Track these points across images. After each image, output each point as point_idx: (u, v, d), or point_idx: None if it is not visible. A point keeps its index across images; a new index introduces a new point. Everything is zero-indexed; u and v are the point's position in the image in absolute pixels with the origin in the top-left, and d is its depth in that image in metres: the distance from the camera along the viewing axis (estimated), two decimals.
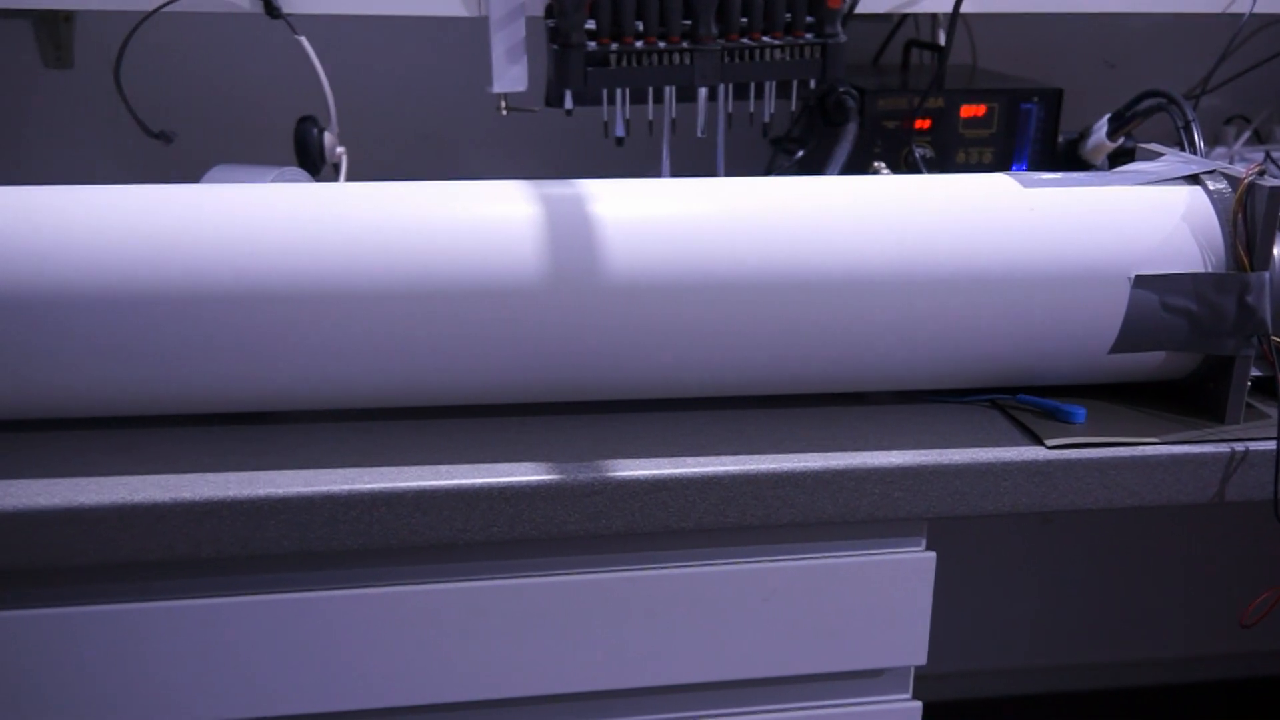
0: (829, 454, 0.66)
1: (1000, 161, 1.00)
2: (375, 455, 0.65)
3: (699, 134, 0.94)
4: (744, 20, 0.90)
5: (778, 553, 0.69)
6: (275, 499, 0.61)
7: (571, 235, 0.65)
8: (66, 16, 1.06)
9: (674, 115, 0.93)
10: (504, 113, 0.95)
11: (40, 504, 0.59)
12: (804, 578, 0.69)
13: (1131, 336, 0.69)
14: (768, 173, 1.03)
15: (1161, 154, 0.77)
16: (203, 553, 0.62)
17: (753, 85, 0.92)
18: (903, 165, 0.99)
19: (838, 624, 0.70)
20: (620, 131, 0.92)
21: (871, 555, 0.69)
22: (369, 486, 0.62)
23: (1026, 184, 0.70)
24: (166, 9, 0.89)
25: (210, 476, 0.63)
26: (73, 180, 0.66)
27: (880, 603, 0.70)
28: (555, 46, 0.88)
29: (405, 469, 0.64)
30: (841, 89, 0.95)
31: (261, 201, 0.65)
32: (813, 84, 0.93)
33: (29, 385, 0.63)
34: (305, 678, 0.66)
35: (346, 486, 0.62)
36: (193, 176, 1.01)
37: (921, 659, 0.71)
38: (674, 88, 0.91)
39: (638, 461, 0.65)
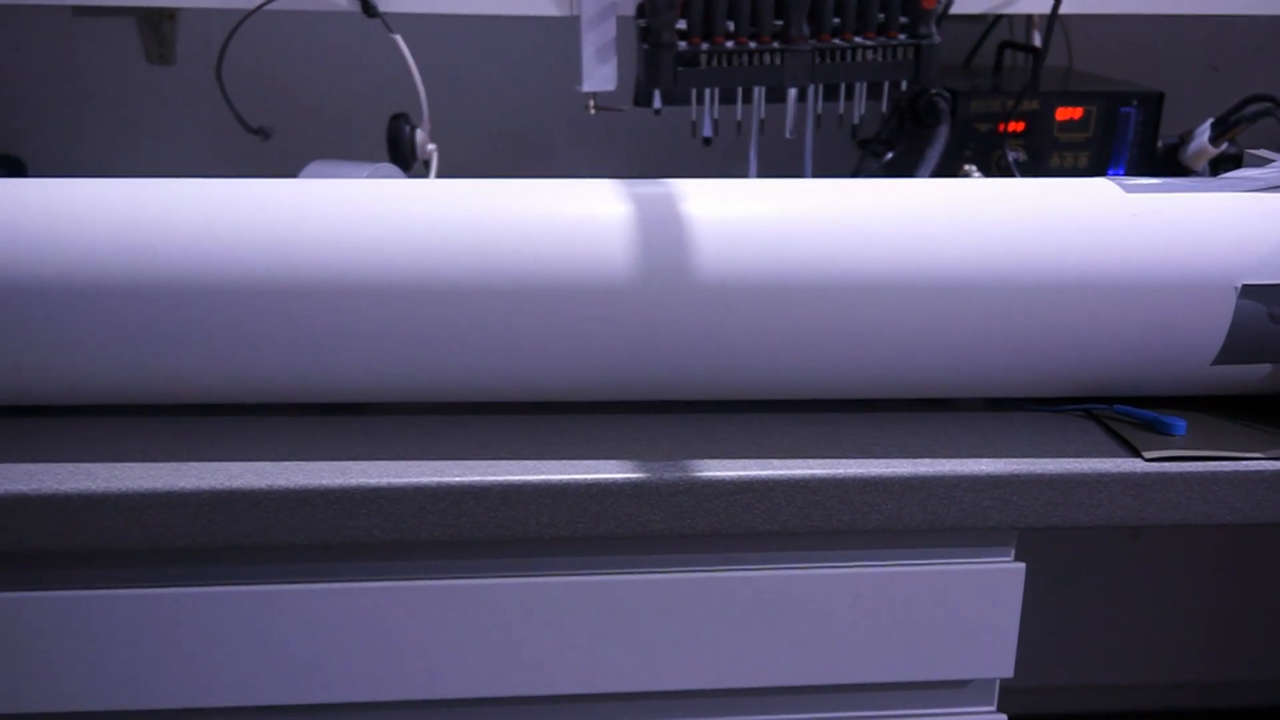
0: (918, 460, 0.65)
1: (1096, 166, 0.98)
2: (464, 449, 0.66)
3: (787, 134, 0.93)
4: (836, 20, 0.89)
5: (864, 558, 0.68)
6: (368, 489, 0.62)
7: (662, 234, 0.65)
8: (170, 14, 1.09)
9: (762, 115, 0.93)
10: (592, 112, 0.96)
11: (144, 487, 0.61)
12: (890, 584, 0.68)
13: (1236, 348, 0.67)
14: (856, 174, 1.02)
15: (1270, 160, 0.74)
16: (297, 540, 0.63)
17: (843, 86, 0.92)
18: (994, 169, 0.97)
19: (923, 632, 0.69)
20: (708, 131, 0.92)
21: (959, 564, 0.68)
22: (458, 479, 0.63)
23: (1129, 189, 0.69)
24: (267, 7, 0.91)
25: (305, 465, 0.64)
26: (173, 174, 0.68)
27: (967, 613, 0.69)
28: (646, 46, 0.88)
29: (493, 463, 0.64)
30: (934, 90, 0.94)
31: (360, 197, 0.66)
32: (904, 85, 0.92)
33: (142, 372, 0.65)
34: (394, 665, 0.68)
35: (436, 478, 0.63)
36: (288, 171, 1.03)
37: (1008, 671, 0.70)
38: (763, 88, 0.91)
39: (724, 462, 0.65)
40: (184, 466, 0.63)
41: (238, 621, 0.66)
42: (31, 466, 0.63)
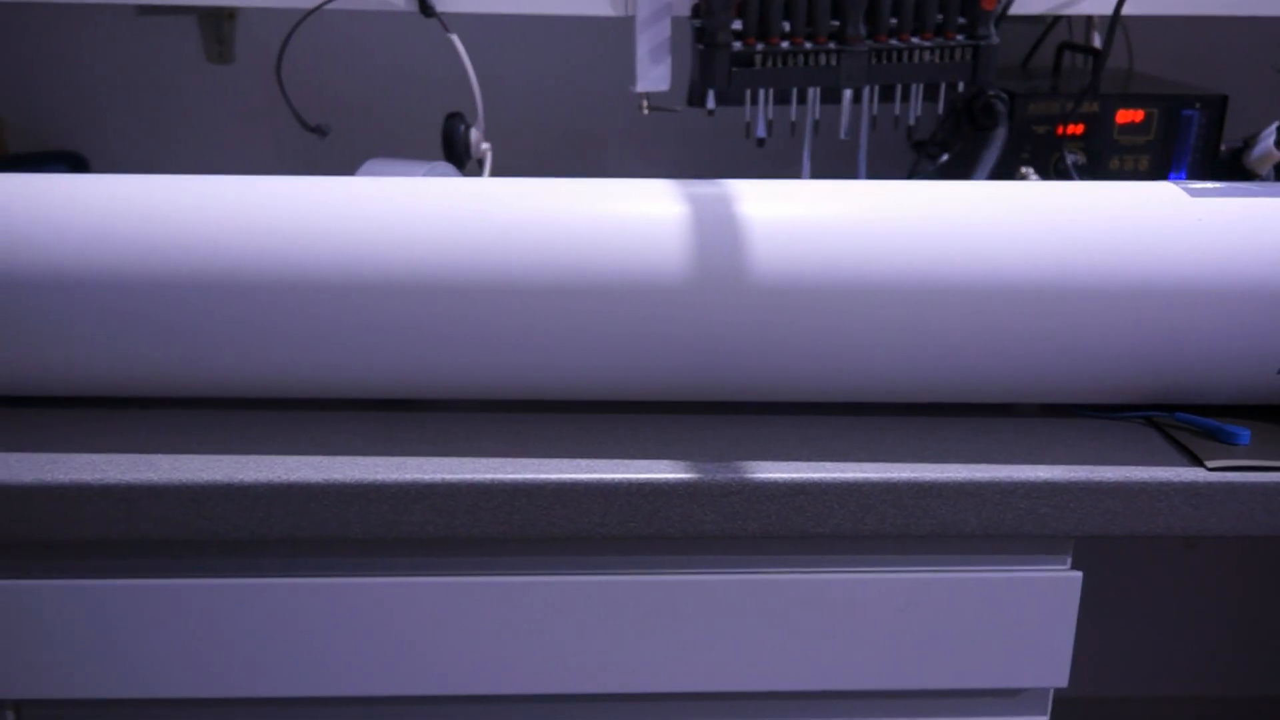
0: (973, 465, 0.65)
1: (1157, 170, 0.97)
2: (518, 446, 0.66)
3: (842, 136, 0.93)
4: (893, 21, 0.89)
5: (916, 563, 0.67)
6: (422, 484, 0.63)
7: (716, 235, 0.65)
8: (230, 13, 1.11)
9: (817, 116, 0.92)
10: (645, 112, 0.96)
11: (204, 478, 0.62)
12: (942, 590, 0.67)
13: None
14: (910, 177, 1.01)
15: None
16: (351, 533, 0.64)
17: (899, 87, 0.91)
18: (1052, 172, 0.96)
19: (976, 640, 0.68)
20: (761, 132, 0.92)
21: (1015, 571, 0.67)
22: (511, 476, 0.63)
23: (1193, 193, 0.67)
24: (326, 7, 0.92)
25: (360, 460, 0.65)
26: (231, 171, 0.69)
27: (1022, 621, 0.68)
28: (701, 46, 0.88)
29: (546, 461, 0.65)
30: (991, 92, 0.93)
31: (417, 195, 0.67)
32: (961, 87, 0.91)
33: (202, 367, 0.66)
34: (444, 661, 0.68)
35: (490, 476, 0.63)
36: (344, 169, 1.04)
37: (1063, 681, 0.69)
38: (818, 89, 0.90)
39: (776, 464, 0.65)
40: (243, 459, 0.64)
41: (293, 614, 0.67)
42: (95, 457, 0.64)
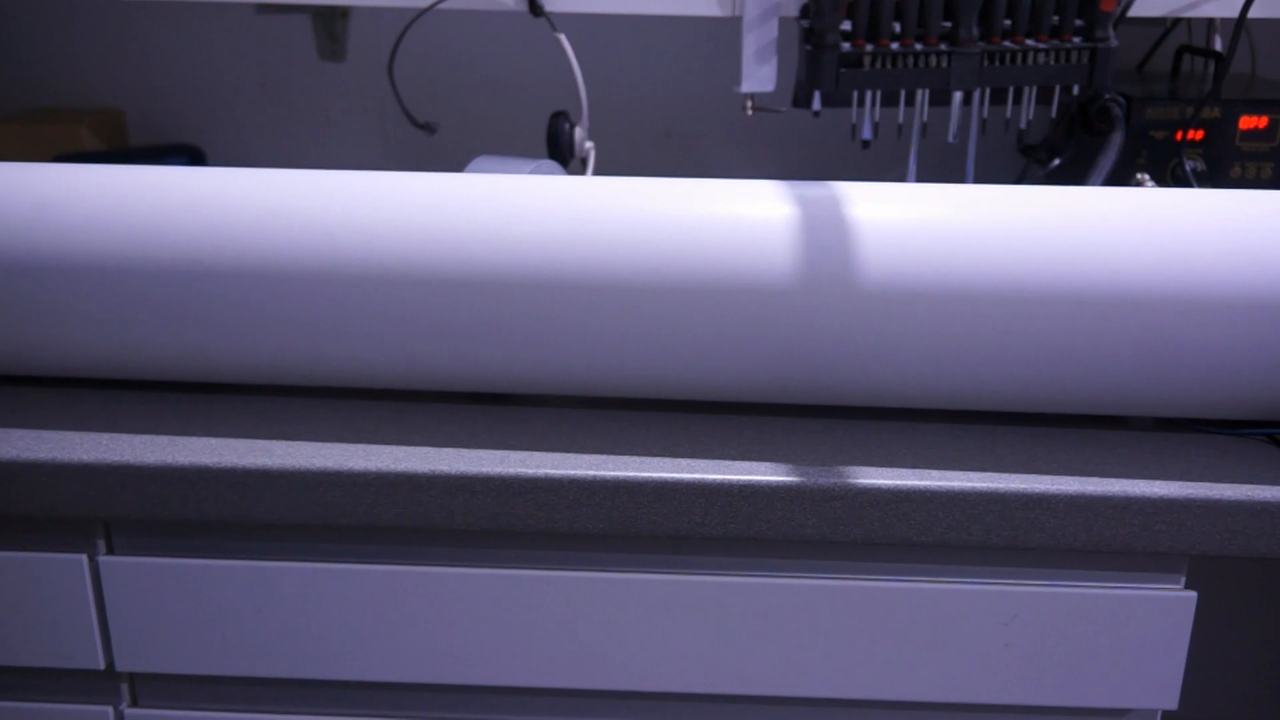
0: (1085, 478, 0.63)
1: None
2: (620, 444, 0.67)
3: (950, 139, 0.91)
4: (1007, 22, 0.87)
5: (1022, 577, 0.66)
6: (525, 478, 0.64)
7: (824, 237, 0.64)
8: (344, 12, 1.13)
9: (925, 119, 0.91)
10: (749, 112, 0.95)
11: (316, 465, 0.64)
12: (1049, 606, 0.66)
13: None
14: (1019, 182, 0.99)
15: None
16: (455, 524, 0.65)
17: (1011, 90, 0.89)
18: (1170, 179, 0.93)
19: (1082, 657, 0.67)
20: (867, 134, 0.91)
21: (1125, 589, 0.65)
22: (613, 473, 0.64)
23: None
24: (438, 6, 0.93)
25: (466, 453, 0.66)
26: (340, 167, 0.71)
27: (1132, 640, 0.66)
28: (809, 47, 0.88)
29: (648, 459, 0.65)
30: (1107, 96, 0.90)
31: (528, 193, 0.67)
32: (1076, 90, 0.89)
33: (314, 356, 0.67)
34: (540, 653, 0.69)
35: (593, 472, 0.64)
36: (450, 165, 1.06)
37: (1173, 703, 0.67)
38: (927, 91, 0.89)
39: (881, 470, 0.64)
40: (352, 448, 0.66)
41: (397, 601, 0.68)
42: (213, 441, 0.66)
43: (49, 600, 0.69)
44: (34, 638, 0.70)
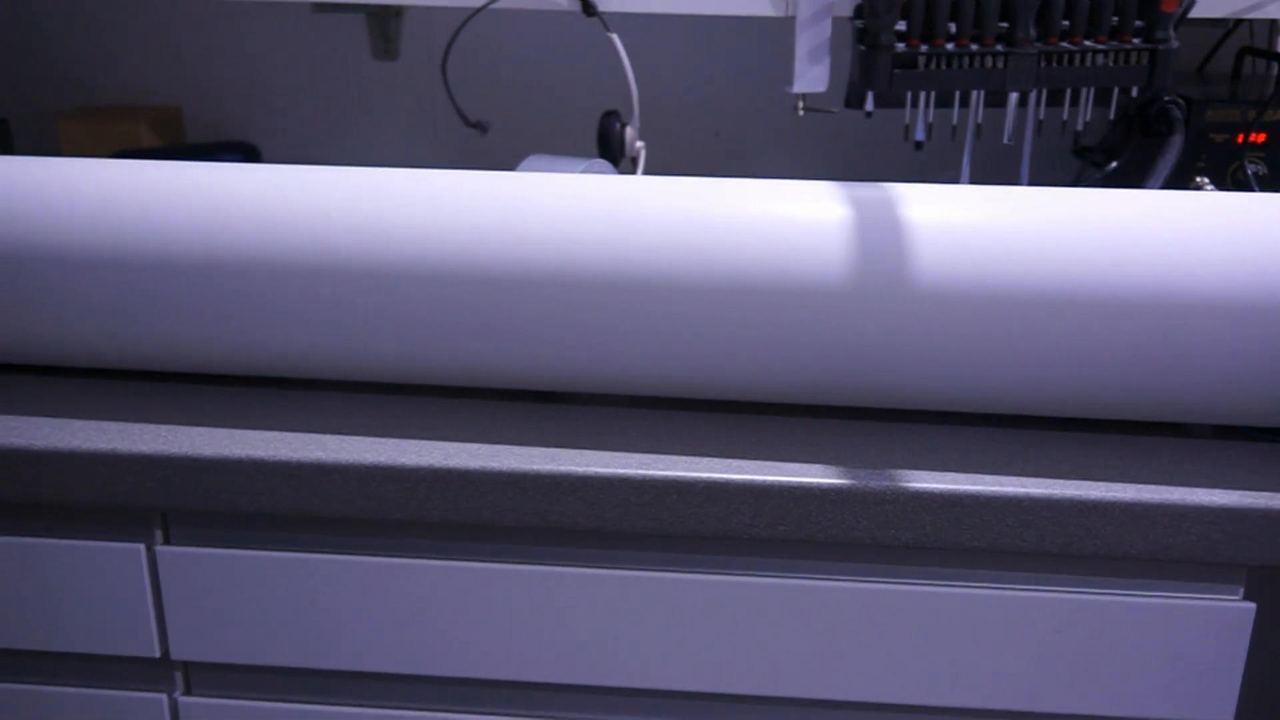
0: (1142, 486, 0.62)
1: None
2: (670, 443, 0.67)
3: (1005, 140, 0.90)
4: (1065, 23, 0.86)
5: (1075, 584, 0.65)
6: (575, 476, 0.64)
7: (877, 239, 0.64)
8: (397, 11, 1.14)
9: (979, 120, 0.90)
10: (801, 113, 0.95)
11: (368, 459, 0.64)
12: (1102, 614, 0.65)
13: None
14: (1076, 184, 0.98)
15: None
16: (505, 520, 0.65)
17: (1068, 91, 0.88)
18: (1230, 182, 0.91)
19: (1136, 668, 0.66)
20: (921, 135, 0.90)
21: (1181, 599, 0.64)
22: (663, 473, 0.64)
23: None
24: (492, 6, 0.94)
25: (516, 449, 0.66)
26: (392, 165, 0.71)
27: (1187, 651, 0.65)
28: (862, 47, 0.87)
29: (698, 459, 0.65)
30: (1167, 98, 0.89)
31: (582, 193, 0.67)
32: (1134, 92, 0.88)
33: (367, 352, 0.68)
34: (589, 649, 0.69)
35: (642, 471, 0.64)
36: (501, 164, 1.07)
37: (1228, 717, 0.66)
38: (982, 92, 0.88)
39: (932, 474, 0.63)
40: (405, 443, 0.66)
41: (444, 595, 0.69)
42: (269, 434, 0.67)
43: (107, 588, 0.70)
44: (91, 625, 0.71)
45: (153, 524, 0.70)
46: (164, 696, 0.73)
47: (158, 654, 0.72)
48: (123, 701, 0.74)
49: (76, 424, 0.68)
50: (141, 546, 0.69)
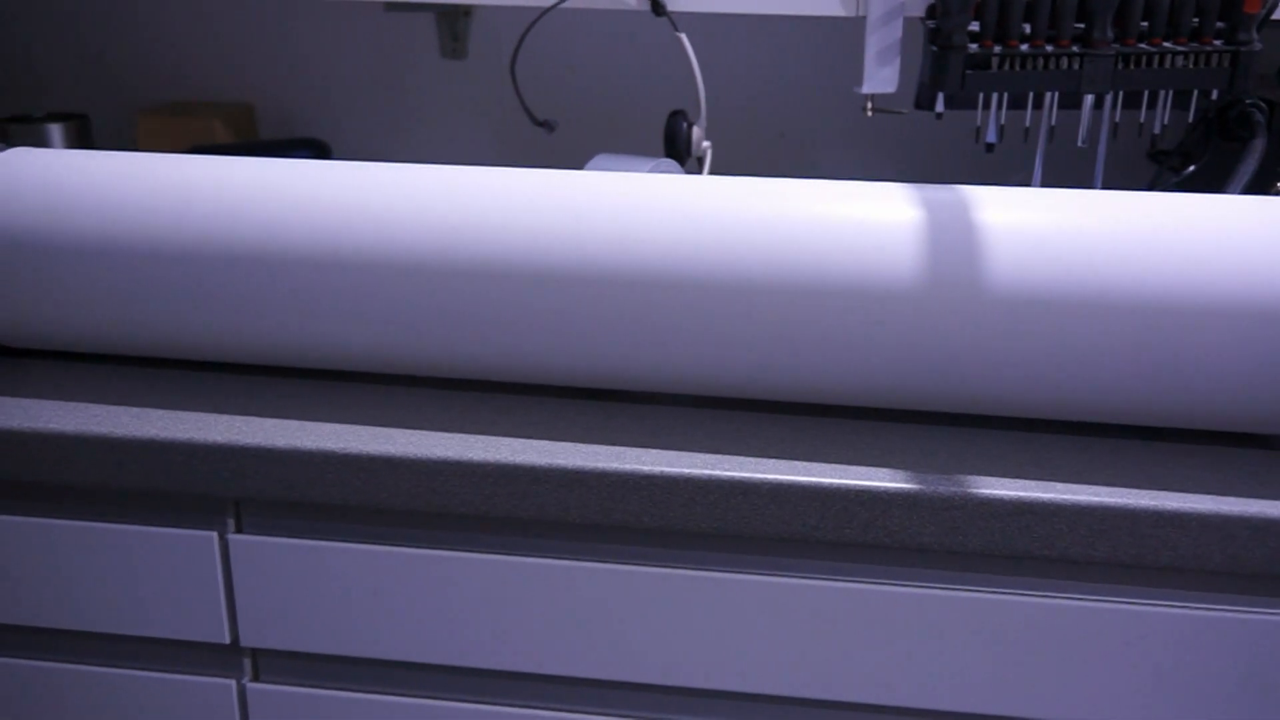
0: (1221, 498, 0.61)
1: None
2: (735, 444, 0.67)
3: (1080, 143, 0.89)
4: (1144, 24, 0.84)
5: (1148, 597, 0.64)
6: (640, 475, 0.64)
7: (948, 241, 0.63)
8: (466, 11, 1.15)
9: (1053, 122, 0.88)
10: (869, 114, 0.94)
11: (436, 454, 0.65)
12: (1176, 629, 0.64)
13: None
14: (1151, 188, 0.96)
15: None
16: (570, 517, 0.65)
17: (1145, 94, 0.86)
18: None
19: (1208, 685, 0.64)
20: (992, 137, 0.89)
21: (1260, 615, 0.63)
22: (729, 473, 0.63)
23: None
24: (561, 5, 0.94)
25: (582, 447, 0.66)
26: (460, 163, 0.72)
27: (1264, 669, 0.63)
28: (934, 47, 0.86)
29: (763, 460, 0.65)
30: (1248, 101, 0.87)
31: (652, 192, 0.68)
32: (1214, 95, 0.86)
33: (438, 349, 0.69)
34: (650, 648, 0.69)
35: (707, 471, 0.64)
36: (567, 163, 1.07)
37: None
38: (1057, 94, 0.87)
39: (1002, 481, 0.62)
40: (472, 439, 0.67)
41: (508, 590, 0.69)
42: (340, 427, 0.68)
43: (180, 574, 0.72)
44: (164, 610, 0.73)
45: (226, 512, 0.71)
46: (233, 682, 0.75)
47: (228, 640, 0.73)
48: (193, 686, 0.75)
49: (155, 413, 0.70)
50: (215, 534, 0.71)
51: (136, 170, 0.72)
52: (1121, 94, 0.86)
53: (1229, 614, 0.63)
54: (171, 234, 0.69)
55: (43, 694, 0.77)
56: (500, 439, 0.67)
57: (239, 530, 0.71)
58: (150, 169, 0.72)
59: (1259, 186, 0.89)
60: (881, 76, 0.91)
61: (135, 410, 0.70)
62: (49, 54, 1.23)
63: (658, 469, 0.64)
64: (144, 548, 0.72)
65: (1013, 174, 1.07)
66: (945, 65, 0.85)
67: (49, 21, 1.22)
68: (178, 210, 0.69)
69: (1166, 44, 0.84)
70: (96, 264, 0.70)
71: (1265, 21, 0.86)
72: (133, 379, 0.75)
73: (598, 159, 0.86)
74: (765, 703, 0.70)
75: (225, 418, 0.69)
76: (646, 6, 0.94)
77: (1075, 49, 0.84)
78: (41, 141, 1.15)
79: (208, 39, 1.21)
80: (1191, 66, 0.84)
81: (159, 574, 0.72)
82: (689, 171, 0.98)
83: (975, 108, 0.88)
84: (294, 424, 0.68)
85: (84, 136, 1.19)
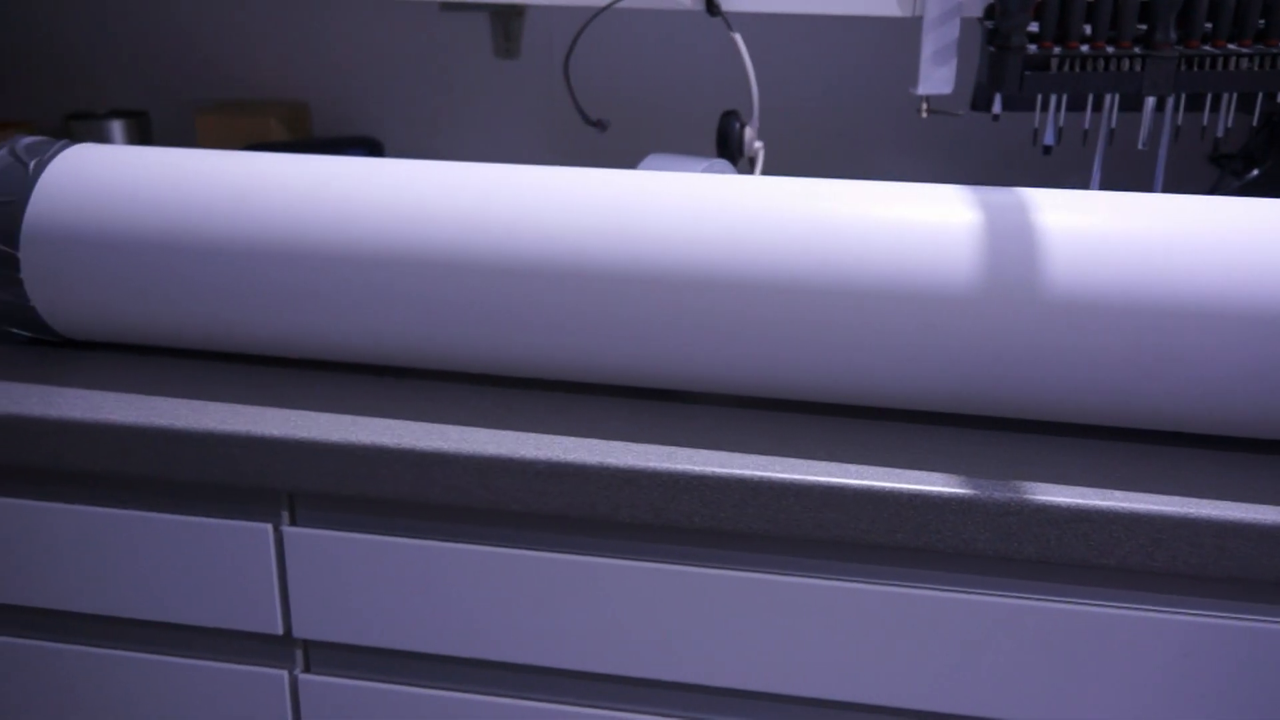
0: None
1: None
2: (788, 445, 0.66)
3: (1140, 146, 0.87)
4: (1208, 25, 0.83)
5: (1207, 608, 0.63)
6: (691, 475, 0.64)
7: (1007, 244, 0.63)
8: (520, 11, 1.16)
9: (1113, 125, 0.87)
10: (924, 115, 0.93)
11: (488, 451, 0.66)
12: (1233, 641, 0.62)
13: None
14: (1213, 193, 0.95)
15: None
16: (620, 516, 0.65)
17: (1209, 97, 0.85)
18: None
19: (1268, 699, 0.63)
20: (1050, 139, 0.88)
21: None
22: (780, 475, 0.63)
23: None
24: (615, 5, 0.95)
25: (633, 446, 0.66)
26: (512, 161, 0.72)
27: None
28: (992, 48, 0.85)
29: (816, 463, 0.64)
30: None
31: (709, 192, 0.67)
32: (1279, 98, 0.84)
33: (491, 346, 0.69)
34: (697, 648, 0.69)
35: (760, 472, 0.63)
36: (619, 162, 1.07)
37: None
38: (1117, 96, 0.86)
39: (1059, 488, 0.62)
40: (524, 436, 0.67)
41: (558, 587, 0.69)
42: (393, 422, 0.69)
43: (234, 565, 0.73)
44: (219, 601, 0.74)
45: (280, 505, 0.72)
46: (284, 673, 0.76)
47: (280, 631, 0.74)
48: (245, 676, 0.76)
49: (212, 406, 0.71)
50: (269, 526, 0.72)
51: (195, 166, 0.73)
52: (1184, 96, 0.85)
53: None
54: (229, 229, 0.70)
55: (98, 679, 0.78)
56: (552, 437, 0.67)
57: (293, 523, 0.72)
58: (208, 165, 0.73)
59: None
60: (938, 77, 0.90)
61: (193, 403, 0.71)
62: (111, 53, 1.26)
63: (710, 469, 0.64)
64: (199, 539, 0.73)
65: (1070, 177, 1.05)
66: (1003, 66, 0.84)
67: (112, 22, 1.24)
68: (235, 206, 0.70)
69: (1231, 45, 0.83)
70: (156, 258, 0.71)
71: None
72: (191, 372, 0.76)
73: (650, 159, 0.86)
74: (815, 706, 0.70)
75: (281, 411, 0.70)
76: (701, 6, 0.94)
77: (1137, 50, 0.83)
78: (103, 138, 1.17)
79: (265, 39, 1.22)
80: (1256, 69, 0.83)
81: (214, 565, 0.73)
82: (741, 172, 0.98)
83: (1033, 109, 0.87)
84: (348, 419, 0.69)
85: (144, 133, 1.21)
